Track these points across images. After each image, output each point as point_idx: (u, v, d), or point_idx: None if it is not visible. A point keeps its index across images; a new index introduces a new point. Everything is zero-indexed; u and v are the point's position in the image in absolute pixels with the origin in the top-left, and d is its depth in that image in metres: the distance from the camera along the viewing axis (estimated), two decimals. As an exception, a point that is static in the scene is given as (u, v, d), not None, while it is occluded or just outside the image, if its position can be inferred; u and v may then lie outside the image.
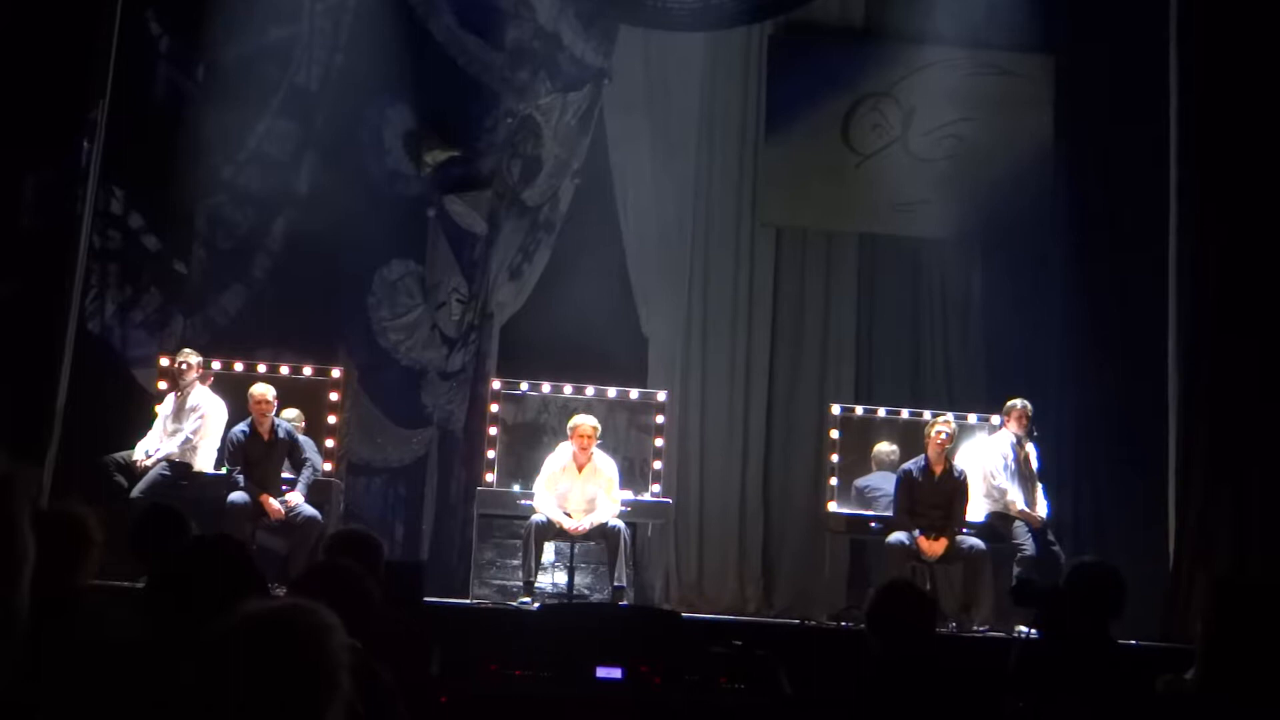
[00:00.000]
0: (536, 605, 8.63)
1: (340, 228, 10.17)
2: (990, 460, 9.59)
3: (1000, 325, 11.27)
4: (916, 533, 9.10)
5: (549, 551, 9.46)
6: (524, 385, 10.45)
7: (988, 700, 4.51)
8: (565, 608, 8.73)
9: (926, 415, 10.03)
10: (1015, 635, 7.81)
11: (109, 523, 3.89)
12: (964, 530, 9.26)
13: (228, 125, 10.23)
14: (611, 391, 10.49)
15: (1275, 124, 9.78)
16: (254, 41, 10.30)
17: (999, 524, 9.44)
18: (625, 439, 10.53)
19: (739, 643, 7.05)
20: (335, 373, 10.14)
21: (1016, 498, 9.44)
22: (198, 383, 9.39)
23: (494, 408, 10.30)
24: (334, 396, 10.06)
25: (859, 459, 10.38)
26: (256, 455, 9.09)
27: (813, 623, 9.30)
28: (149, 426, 9.42)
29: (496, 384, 10.43)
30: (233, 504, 8.86)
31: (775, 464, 11.23)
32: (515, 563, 9.42)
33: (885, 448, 10.36)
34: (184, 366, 9.34)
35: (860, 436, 10.51)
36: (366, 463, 10.60)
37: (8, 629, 1.90)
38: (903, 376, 11.41)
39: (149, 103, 10.22)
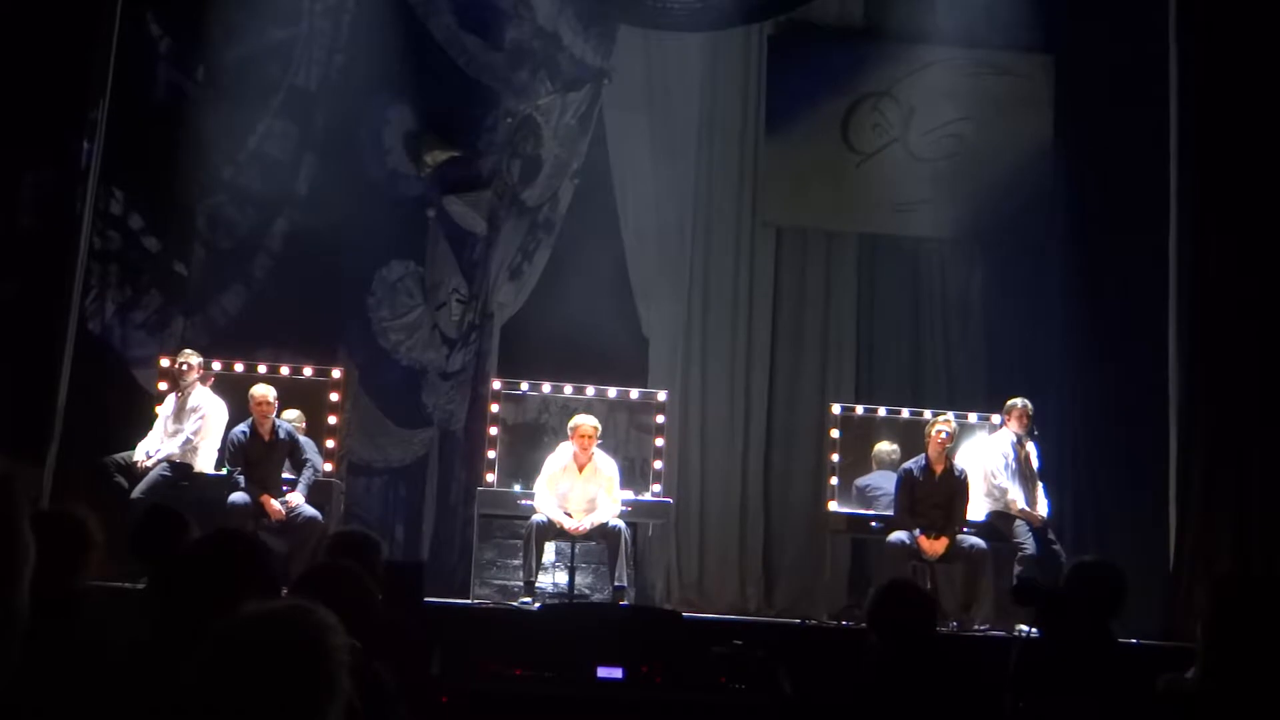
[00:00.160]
0: (537, 605, 8.63)
1: (340, 228, 10.18)
2: (991, 459, 9.59)
3: (1000, 324, 11.28)
4: (917, 532, 9.10)
5: (550, 551, 9.45)
6: (524, 385, 10.45)
7: (988, 699, 4.51)
8: (566, 608, 8.72)
9: (927, 414, 10.03)
10: (1016, 634, 7.80)
11: (109, 524, 3.89)
12: (964, 529, 9.26)
13: (228, 126, 10.24)
14: (612, 391, 10.49)
15: (1275, 122, 9.78)
16: (254, 42, 10.30)
17: (999, 523, 9.44)
18: (625, 439, 10.52)
19: (739, 642, 7.06)
20: (335, 373, 10.14)
21: (1017, 497, 9.44)
22: (198, 383, 9.39)
23: (494, 408, 10.30)
24: (334, 397, 10.06)
25: (859, 458, 10.38)
26: (257, 456, 9.09)
27: (813, 622, 9.31)
28: (149, 427, 9.42)
29: (497, 384, 10.43)
30: (233, 505, 8.86)
31: (776, 463, 11.23)
32: (516, 563, 9.41)
33: (886, 447, 10.35)
34: (184, 367, 9.34)
35: (861, 436, 10.51)
36: (367, 463, 10.60)
37: (8, 630, 1.90)
38: (903, 376, 11.41)
39: (149, 103, 10.22)
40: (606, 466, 9.32)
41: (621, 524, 9.17)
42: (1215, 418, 9.73)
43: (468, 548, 9.93)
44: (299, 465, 9.19)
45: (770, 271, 11.42)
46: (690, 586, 10.82)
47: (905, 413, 10.55)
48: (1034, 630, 4.82)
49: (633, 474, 10.16)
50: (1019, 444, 9.59)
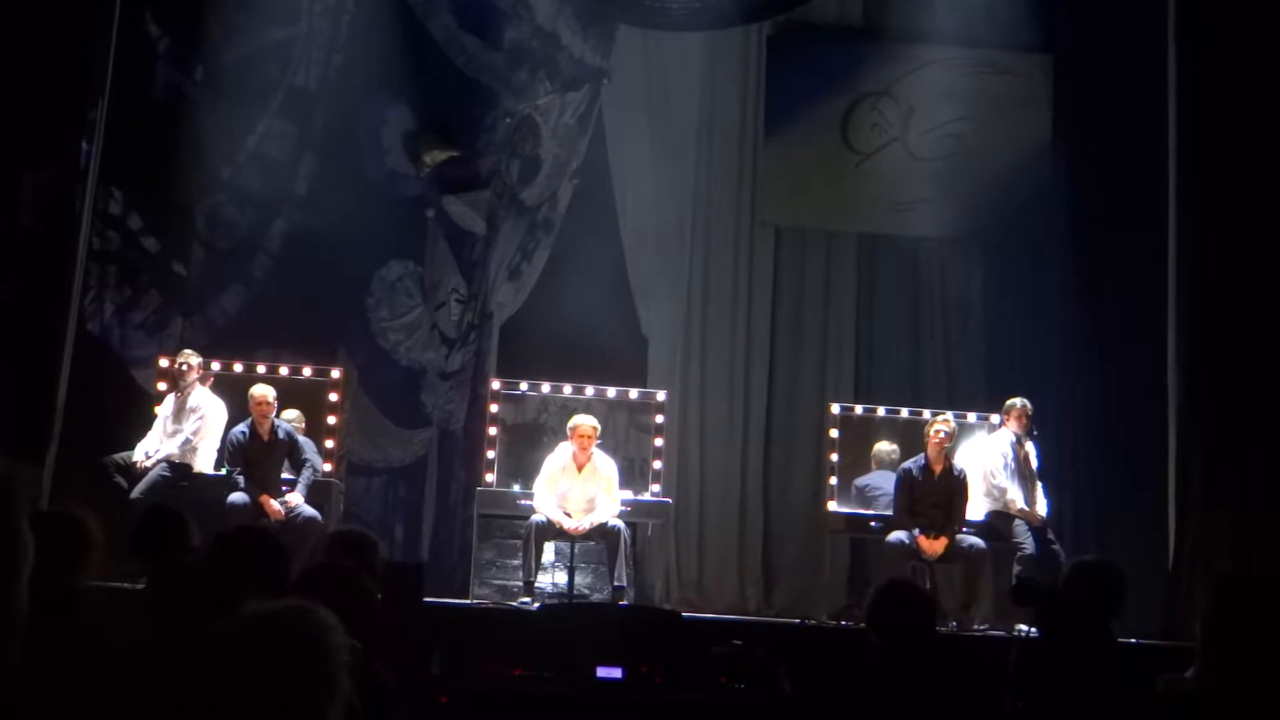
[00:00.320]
0: (536, 605, 8.63)
1: (339, 228, 10.18)
2: (990, 459, 9.59)
3: (999, 324, 11.28)
4: (916, 532, 9.10)
5: (549, 551, 9.45)
6: (523, 385, 10.45)
7: (988, 699, 4.51)
8: (565, 608, 8.73)
9: (926, 414, 10.03)
10: (1015, 634, 7.80)
11: (109, 524, 3.89)
12: (964, 529, 9.26)
13: (226, 126, 10.23)
14: (611, 391, 10.49)
15: (1274, 122, 9.78)
16: (253, 42, 10.30)
17: (999, 523, 9.44)
18: (625, 439, 10.52)
19: (739, 642, 7.05)
20: (335, 373, 10.14)
21: (1016, 496, 9.44)
22: (198, 384, 9.39)
23: (494, 408, 10.30)
24: (334, 397, 10.06)
25: (859, 458, 10.38)
26: (256, 456, 9.09)
27: (813, 622, 9.31)
28: (149, 427, 9.41)
29: (496, 384, 10.43)
30: (233, 505, 8.85)
31: (775, 463, 11.23)
32: (515, 563, 9.41)
33: (885, 447, 10.35)
34: (184, 367, 9.33)
35: (860, 435, 10.51)
36: (366, 463, 10.60)
37: (7, 630, 1.90)
38: (902, 375, 11.41)
39: (148, 103, 10.21)
40: (606, 466, 9.32)
41: (621, 524, 9.17)
42: (1215, 417, 9.74)
43: (467, 548, 9.93)
44: (298, 465, 9.18)
45: (769, 271, 11.42)
46: (690, 586, 10.82)
47: (904, 412, 10.55)
48: (1033, 630, 4.81)
49: (632, 474, 10.16)
50: (1018, 444, 9.59)
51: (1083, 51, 11.22)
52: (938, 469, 9.27)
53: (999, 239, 11.42)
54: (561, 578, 9.47)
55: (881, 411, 10.64)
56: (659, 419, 10.43)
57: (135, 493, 8.89)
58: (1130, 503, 10.53)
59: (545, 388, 10.43)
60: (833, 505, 10.20)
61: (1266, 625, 3.41)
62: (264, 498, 8.94)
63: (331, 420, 9.99)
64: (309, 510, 9.00)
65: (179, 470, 9.14)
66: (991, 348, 11.34)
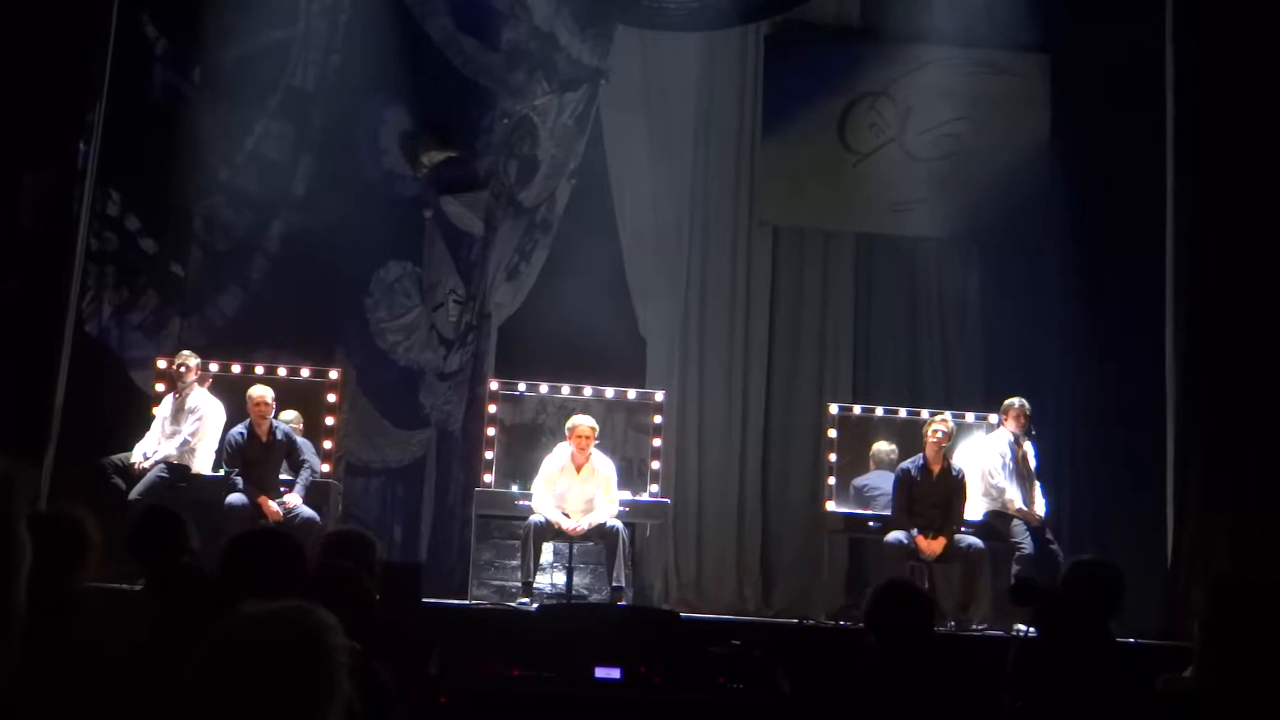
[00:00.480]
0: (535, 606, 8.63)
1: (337, 229, 10.18)
2: (988, 459, 9.59)
3: (997, 324, 11.28)
4: (915, 532, 9.10)
5: (547, 552, 9.46)
6: (522, 386, 10.45)
7: (986, 699, 4.51)
8: (564, 608, 8.73)
9: (924, 414, 10.04)
10: (1014, 634, 7.81)
11: (107, 525, 3.88)
12: (962, 529, 9.27)
13: (224, 127, 10.22)
14: (609, 392, 10.49)
15: (1272, 122, 9.78)
16: (250, 43, 10.29)
17: (997, 523, 9.45)
18: (623, 439, 10.52)
19: (737, 642, 7.06)
20: (333, 374, 10.14)
21: (1015, 496, 9.44)
22: (196, 385, 9.39)
23: (492, 408, 10.30)
24: (332, 398, 10.06)
25: (857, 458, 10.38)
26: (255, 457, 9.09)
27: (811, 622, 9.32)
28: (147, 428, 9.42)
29: (494, 385, 10.43)
30: (231, 506, 8.85)
31: (773, 463, 11.23)
32: (514, 563, 9.42)
33: (883, 447, 10.35)
34: (182, 368, 9.33)
35: (858, 436, 10.51)
36: (365, 464, 10.60)
37: (5, 631, 1.90)
38: (900, 375, 11.42)
39: (146, 105, 10.20)
40: (604, 467, 9.32)
41: (619, 524, 9.17)
42: (1213, 416, 9.73)
43: (466, 548, 9.93)
44: (296, 466, 9.18)
45: (767, 271, 11.42)
46: (688, 587, 10.82)
47: (903, 412, 10.56)
48: (1032, 630, 4.81)
49: (630, 474, 10.16)
50: (1016, 444, 9.60)
51: (1081, 51, 11.22)
52: (936, 469, 9.27)
53: (997, 239, 11.42)
54: (560, 578, 9.48)
55: (880, 411, 10.64)
56: (657, 419, 10.42)
57: (133, 494, 8.89)
58: (1128, 502, 10.53)
59: (543, 388, 10.43)
60: (831, 505, 10.20)
61: (1264, 625, 3.41)
62: (262, 499, 8.94)
63: (330, 421, 9.99)
64: (307, 511, 8.99)
65: (177, 471, 9.14)
66: (989, 348, 11.34)
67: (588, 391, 10.41)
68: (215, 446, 9.33)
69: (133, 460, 9.18)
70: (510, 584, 9.47)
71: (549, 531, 9.14)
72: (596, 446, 9.32)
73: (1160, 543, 9.78)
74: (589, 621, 7.38)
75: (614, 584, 9.05)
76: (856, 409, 10.68)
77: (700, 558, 10.96)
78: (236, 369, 9.92)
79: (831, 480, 10.32)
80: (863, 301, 11.51)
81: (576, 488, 9.24)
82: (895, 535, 9.13)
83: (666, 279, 11.20)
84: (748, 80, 11.44)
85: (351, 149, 10.65)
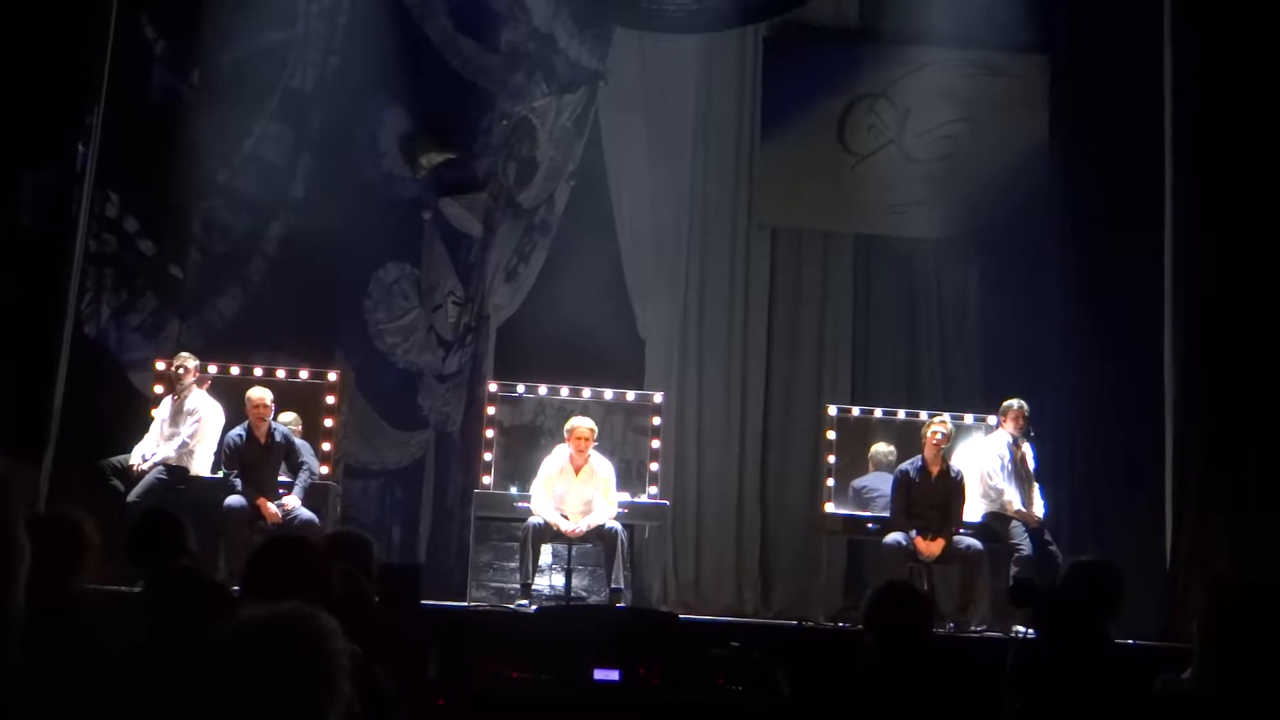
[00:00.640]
0: (534, 607, 8.64)
1: (336, 231, 10.18)
2: (987, 460, 9.60)
3: (996, 325, 11.28)
4: (913, 533, 9.10)
5: (546, 554, 9.46)
6: (520, 387, 10.45)
7: (985, 700, 4.51)
8: (563, 610, 8.73)
9: (923, 416, 10.03)
10: (1013, 635, 7.81)
11: (105, 527, 3.88)
12: (961, 530, 9.27)
13: (223, 129, 10.22)
14: (608, 393, 10.49)
15: (1271, 122, 9.78)
16: (249, 45, 10.29)
17: (996, 524, 9.45)
18: (622, 441, 10.52)
19: (736, 644, 7.06)
20: (332, 376, 10.14)
21: (1013, 498, 9.44)
22: (194, 386, 9.39)
23: (490, 410, 10.30)
24: (330, 400, 10.06)
25: (856, 460, 10.38)
26: (253, 459, 9.09)
27: (810, 624, 9.31)
28: (145, 430, 9.42)
29: (493, 386, 10.43)
30: (230, 508, 8.85)
31: (772, 465, 11.23)
32: (512, 565, 9.41)
33: (882, 448, 10.35)
34: (181, 370, 9.34)
35: (857, 437, 10.51)
36: (363, 466, 10.60)
37: (4, 633, 1.90)
38: (899, 377, 11.41)
39: (144, 107, 10.20)
40: (603, 468, 9.32)
41: (618, 526, 9.17)
42: (1211, 417, 9.73)
43: (464, 550, 9.93)
44: (295, 468, 9.18)
45: (766, 273, 11.42)
46: (687, 588, 10.82)
47: (901, 414, 10.56)
48: (1031, 631, 4.81)
49: (629, 476, 10.16)
50: (1015, 445, 9.60)
51: (1079, 52, 11.23)
52: (935, 470, 9.27)
53: (995, 240, 11.42)
54: (559, 580, 9.48)
55: (878, 413, 10.64)
56: (656, 421, 10.42)
57: (132, 496, 8.89)
58: (1127, 503, 10.53)
59: (542, 390, 10.43)
60: (830, 507, 10.20)
61: (1263, 626, 3.41)
62: (261, 500, 8.93)
63: (328, 423, 9.99)
64: (306, 513, 8.99)
65: (176, 473, 9.14)
66: (988, 349, 11.34)
67: (586, 393, 10.41)
68: (214, 448, 9.33)
69: (131, 462, 9.18)
70: (509, 586, 9.47)
71: (548, 533, 9.13)
72: (595, 448, 9.32)
73: (1159, 544, 9.78)
74: (588, 623, 7.39)
75: (613, 586, 9.04)
76: (855, 410, 10.68)
77: (699, 559, 10.96)
78: (235, 371, 9.92)
79: (830, 482, 10.32)
80: (861, 303, 11.51)
81: (575, 489, 9.24)
82: (894, 537, 9.13)
83: (665, 280, 11.20)
84: (746, 82, 11.44)
85: (350, 151, 10.65)
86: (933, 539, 9.09)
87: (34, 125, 9.18)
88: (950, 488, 9.27)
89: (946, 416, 9.65)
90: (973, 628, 9.02)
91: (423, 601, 7.20)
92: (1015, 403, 9.65)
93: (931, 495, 9.24)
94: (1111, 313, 10.84)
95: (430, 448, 10.69)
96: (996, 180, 11.20)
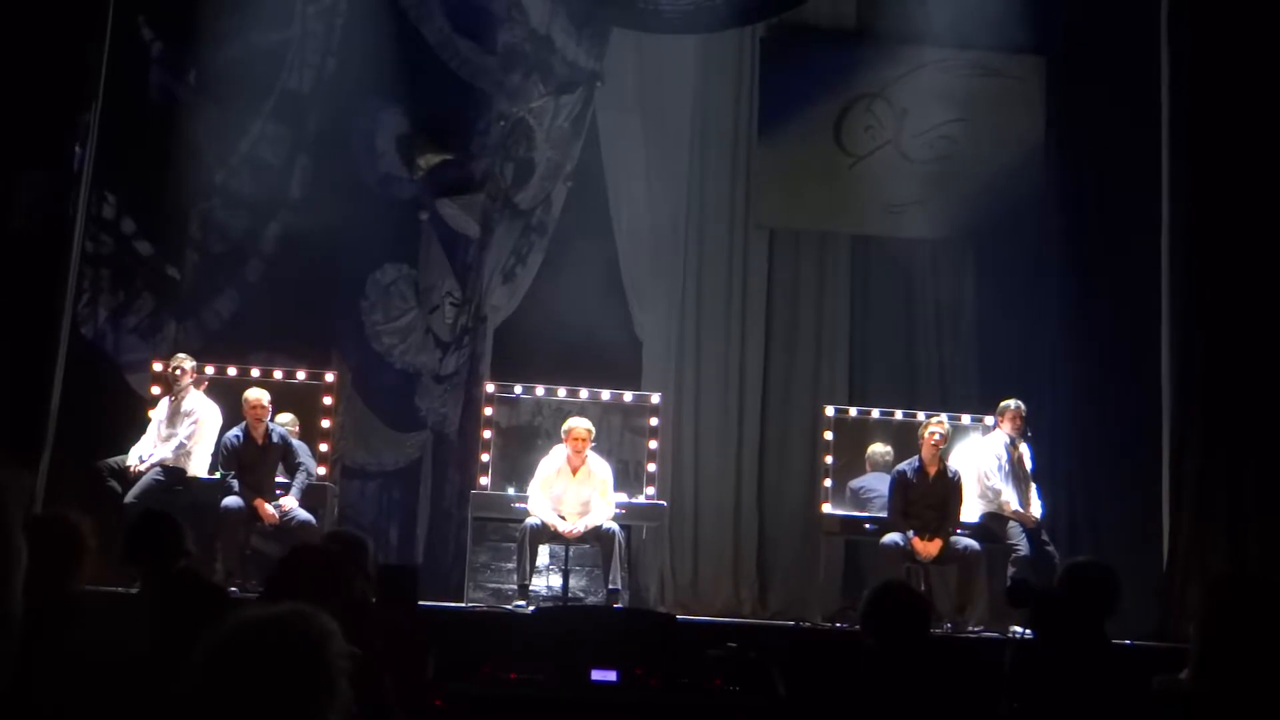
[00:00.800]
0: (531, 608, 8.64)
1: (333, 231, 10.17)
2: (984, 461, 9.60)
3: (993, 326, 11.27)
4: (911, 534, 9.10)
5: (544, 554, 9.46)
6: (518, 388, 10.44)
7: (983, 701, 4.51)
8: (560, 610, 8.73)
9: (920, 416, 10.04)
10: (1010, 636, 7.83)
11: (103, 528, 3.88)
12: (958, 531, 9.27)
13: (220, 129, 10.23)
14: (605, 394, 10.48)
15: (1267, 122, 9.80)
16: (246, 45, 10.28)
17: (993, 524, 9.45)
18: (619, 441, 10.52)
19: (734, 645, 7.06)
20: (329, 377, 10.13)
21: (1011, 498, 9.45)
22: (191, 388, 9.39)
23: (488, 411, 10.29)
24: (328, 400, 10.05)
25: (853, 460, 10.38)
26: (250, 460, 9.09)
27: (807, 624, 9.32)
28: (142, 431, 9.41)
29: (490, 387, 10.42)
30: (227, 509, 8.85)
31: (769, 466, 11.23)
32: (510, 566, 9.41)
33: (879, 449, 10.35)
34: (178, 371, 9.34)
35: (854, 438, 10.50)
36: (360, 467, 10.59)
37: (2, 634, 1.90)
38: (896, 377, 11.40)
39: (141, 107, 10.19)
40: (600, 469, 9.32)
41: (615, 527, 9.16)
42: (1209, 417, 9.75)
43: (462, 551, 9.92)
44: (292, 469, 9.18)
45: (763, 273, 11.42)
46: (684, 589, 10.81)
47: (898, 414, 10.55)
48: (1028, 631, 4.82)
49: (626, 477, 10.16)
50: (1012, 445, 9.61)
51: (1076, 53, 11.23)
52: (932, 471, 9.27)
53: (992, 240, 11.41)
54: (556, 581, 9.48)
55: (875, 413, 10.64)
56: (653, 421, 10.42)
57: (129, 497, 8.89)
58: (1124, 503, 10.53)
59: (539, 390, 10.43)
60: (827, 507, 10.19)
61: (1260, 626, 3.42)
62: (258, 502, 8.94)
63: (326, 424, 9.99)
64: (303, 514, 8.99)
65: (173, 475, 9.14)
66: (985, 349, 11.33)
67: (584, 394, 10.40)
68: (211, 449, 9.33)
69: (128, 463, 9.18)
70: (506, 586, 9.46)
71: (545, 534, 9.13)
72: (592, 449, 9.32)
73: (1156, 544, 9.79)
74: (585, 624, 7.38)
75: (610, 586, 9.04)
76: (852, 411, 10.67)
77: (696, 560, 10.96)
78: (232, 372, 9.91)
79: (828, 482, 10.31)
80: (858, 303, 11.51)
81: (572, 490, 9.24)
82: (891, 537, 9.13)
83: (662, 281, 11.20)
84: (743, 82, 11.44)
85: (347, 151, 10.65)
86: (930, 539, 9.10)
87: (31, 126, 9.17)
88: (947, 488, 9.27)
89: (944, 417, 9.66)
90: (970, 628, 9.02)
91: (420, 602, 7.19)
92: (1012, 403, 9.66)
93: (929, 496, 9.25)
94: (1108, 312, 10.85)
95: (428, 448, 10.68)
96: (993, 180, 11.20)
